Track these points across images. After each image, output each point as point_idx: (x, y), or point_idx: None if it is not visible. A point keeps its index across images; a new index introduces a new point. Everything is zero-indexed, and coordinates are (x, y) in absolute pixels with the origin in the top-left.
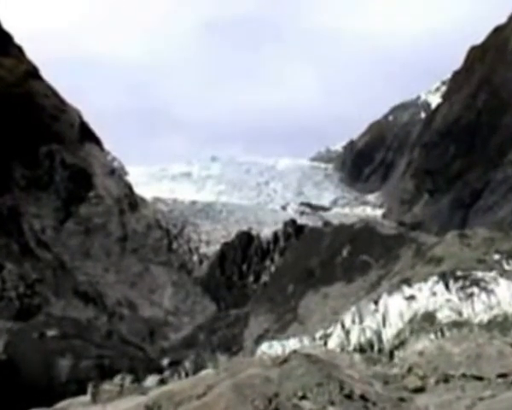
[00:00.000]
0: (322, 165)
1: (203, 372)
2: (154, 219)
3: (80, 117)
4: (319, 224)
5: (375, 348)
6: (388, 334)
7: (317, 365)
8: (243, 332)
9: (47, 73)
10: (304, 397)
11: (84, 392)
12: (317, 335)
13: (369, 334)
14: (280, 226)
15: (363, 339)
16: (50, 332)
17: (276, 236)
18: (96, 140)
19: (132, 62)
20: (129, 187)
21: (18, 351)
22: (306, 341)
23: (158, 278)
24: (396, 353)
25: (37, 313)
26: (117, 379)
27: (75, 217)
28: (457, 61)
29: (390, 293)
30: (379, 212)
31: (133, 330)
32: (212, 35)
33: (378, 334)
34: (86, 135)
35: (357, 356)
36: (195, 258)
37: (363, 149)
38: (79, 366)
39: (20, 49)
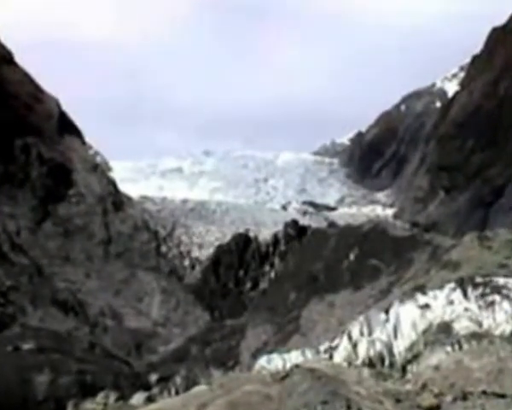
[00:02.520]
0: (327, 159)
1: (195, 389)
2: (141, 219)
3: (59, 107)
4: (323, 225)
5: (386, 362)
6: (400, 347)
7: (321, 380)
8: (240, 345)
9: (22, 59)
10: None
11: None
12: (322, 347)
13: (378, 347)
14: (280, 228)
15: (372, 352)
16: (26, 345)
17: (275, 238)
18: (76, 132)
19: (117, 47)
20: (113, 184)
21: None
22: (310, 354)
23: (145, 285)
24: (409, 367)
25: (11, 324)
26: (100, 397)
27: (53, 217)
28: (477, 45)
29: (402, 301)
30: (390, 211)
31: (118, 343)
32: (208, 16)
33: (389, 347)
34: (65, 126)
35: (365, 371)
36: (187, 263)
37: (373, 142)
38: (58, 383)
39: None
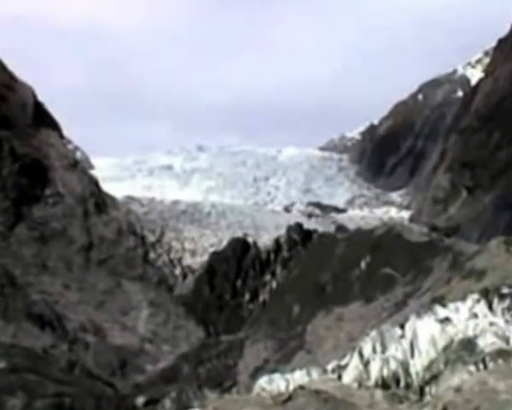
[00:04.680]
0: (336, 155)
1: None
2: (127, 223)
3: (34, 97)
4: (331, 229)
5: (402, 382)
6: (417, 366)
7: (329, 403)
8: (237, 363)
9: None
10: None
11: None
12: (329, 366)
13: (393, 365)
14: (283, 232)
15: (385, 372)
16: None
17: (277, 244)
18: (53, 125)
19: (102, 32)
20: (95, 183)
21: None
22: (316, 374)
23: (131, 297)
24: (427, 389)
25: None
26: None
27: (28, 220)
28: (503, 27)
29: (419, 315)
30: (405, 214)
31: (100, 362)
32: (208, 1)
33: (405, 366)
34: (42, 119)
35: (378, 393)
36: (178, 271)
37: (386, 136)
38: (33, 407)
39: None
